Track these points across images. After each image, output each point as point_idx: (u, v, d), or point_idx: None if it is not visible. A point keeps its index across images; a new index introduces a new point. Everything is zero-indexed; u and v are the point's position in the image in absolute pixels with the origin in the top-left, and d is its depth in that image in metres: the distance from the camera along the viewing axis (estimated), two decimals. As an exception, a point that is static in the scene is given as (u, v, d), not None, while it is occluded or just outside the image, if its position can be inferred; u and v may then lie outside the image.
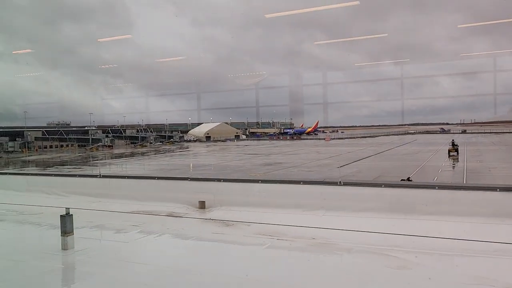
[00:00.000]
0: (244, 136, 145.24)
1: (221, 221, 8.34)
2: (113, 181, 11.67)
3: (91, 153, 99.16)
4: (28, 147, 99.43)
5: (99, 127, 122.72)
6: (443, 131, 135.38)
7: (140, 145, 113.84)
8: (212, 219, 8.51)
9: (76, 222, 6.78)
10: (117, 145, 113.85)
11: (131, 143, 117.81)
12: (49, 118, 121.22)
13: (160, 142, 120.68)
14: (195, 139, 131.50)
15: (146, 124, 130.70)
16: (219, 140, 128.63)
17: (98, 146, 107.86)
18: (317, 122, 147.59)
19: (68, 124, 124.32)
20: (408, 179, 26.43)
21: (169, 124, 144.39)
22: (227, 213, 8.72)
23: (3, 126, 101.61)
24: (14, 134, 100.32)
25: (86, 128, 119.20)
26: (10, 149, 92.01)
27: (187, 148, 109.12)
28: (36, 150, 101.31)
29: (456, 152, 60.82)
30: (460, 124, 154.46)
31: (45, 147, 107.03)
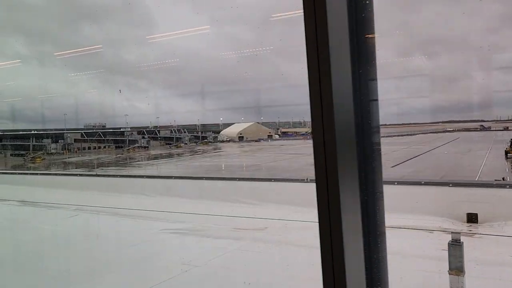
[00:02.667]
0: (277, 136, 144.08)
1: None
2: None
3: (129, 154, 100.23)
4: (68, 149, 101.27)
5: (132, 128, 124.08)
6: (483, 128, 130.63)
7: (175, 145, 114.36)
8: None
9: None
10: (152, 146, 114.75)
11: (166, 144, 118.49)
12: (85, 120, 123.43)
13: (195, 142, 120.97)
14: (228, 139, 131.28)
15: (178, 125, 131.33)
16: (252, 140, 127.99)
17: (135, 147, 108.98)
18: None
19: (104, 126, 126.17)
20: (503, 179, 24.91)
21: (201, 124, 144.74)
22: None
23: (42, 128, 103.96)
24: (54, 136, 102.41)
25: (121, 130, 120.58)
26: (52, 151, 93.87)
27: (221, 148, 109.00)
28: (76, 152, 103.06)
29: None
30: (497, 121, 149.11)
31: (84, 149, 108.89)
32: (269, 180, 10.07)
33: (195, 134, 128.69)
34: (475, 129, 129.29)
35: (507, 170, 43.01)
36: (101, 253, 7.51)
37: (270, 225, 8.08)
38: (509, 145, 55.04)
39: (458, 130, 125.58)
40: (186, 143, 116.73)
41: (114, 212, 10.42)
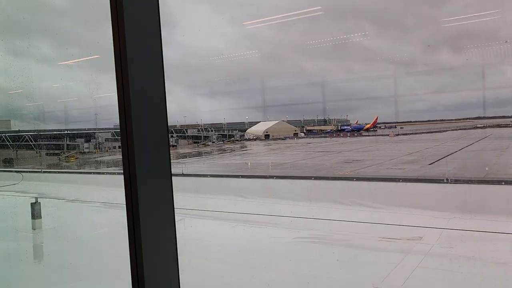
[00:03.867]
0: (302, 134, 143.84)
1: None
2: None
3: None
4: (99, 148, 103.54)
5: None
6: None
7: (203, 144, 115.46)
8: None
9: None
10: (180, 144, 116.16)
11: (194, 142, 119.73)
12: (114, 120, 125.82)
13: (222, 141, 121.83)
14: (254, 137, 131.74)
15: (205, 124, 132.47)
16: (279, 138, 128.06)
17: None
18: (376, 118, 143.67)
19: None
20: None
21: (227, 123, 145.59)
22: None
23: (74, 128, 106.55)
24: (86, 136, 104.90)
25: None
26: (85, 150, 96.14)
27: (247, 147, 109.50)
28: (107, 151, 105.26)
29: None
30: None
31: (114, 148, 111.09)
32: (363, 179, 9.48)
33: (221, 133, 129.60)
34: (507, 125, 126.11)
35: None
36: (268, 271, 6.47)
37: (422, 234, 6.95)
38: None
39: (490, 127, 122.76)
40: (214, 142, 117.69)
41: (225, 217, 9.57)
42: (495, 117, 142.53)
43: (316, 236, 7.11)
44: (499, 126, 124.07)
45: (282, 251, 6.58)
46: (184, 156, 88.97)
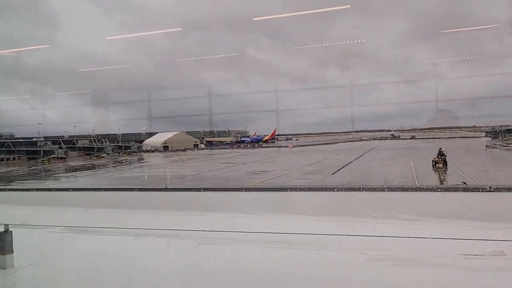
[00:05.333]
0: (202, 146, 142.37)
1: None
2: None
3: (44, 166, 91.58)
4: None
5: (45, 138, 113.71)
6: (393, 137, 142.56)
7: (96, 156, 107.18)
8: None
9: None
10: (70, 156, 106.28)
11: (86, 154, 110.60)
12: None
13: (118, 153, 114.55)
14: (153, 149, 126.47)
15: (97, 134, 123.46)
16: (178, 150, 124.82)
17: (50, 158, 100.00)
18: (275, 130, 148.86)
19: (12, 135, 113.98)
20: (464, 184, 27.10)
21: (122, 134, 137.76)
22: None
23: None
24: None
25: (34, 140, 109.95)
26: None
27: (146, 159, 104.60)
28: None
29: (443, 164, 52.42)
30: (402, 130, 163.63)
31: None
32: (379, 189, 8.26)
33: (117, 144, 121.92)
34: (386, 138, 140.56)
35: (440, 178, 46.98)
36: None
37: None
38: (438, 155, 54.60)
39: (373, 139, 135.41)
40: (109, 153, 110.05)
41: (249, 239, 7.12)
42: (375, 130, 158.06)
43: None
44: (381, 138, 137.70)
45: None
46: (78, 169, 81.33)
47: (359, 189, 8.68)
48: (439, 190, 7.96)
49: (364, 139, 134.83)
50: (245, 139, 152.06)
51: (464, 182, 31.99)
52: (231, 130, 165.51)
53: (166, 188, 11.29)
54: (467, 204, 7.37)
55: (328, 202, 8.80)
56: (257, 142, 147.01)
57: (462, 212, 6.69)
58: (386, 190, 8.36)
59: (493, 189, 7.69)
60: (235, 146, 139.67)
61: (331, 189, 9.12)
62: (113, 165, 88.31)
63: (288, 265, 5.68)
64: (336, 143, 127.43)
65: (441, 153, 54.09)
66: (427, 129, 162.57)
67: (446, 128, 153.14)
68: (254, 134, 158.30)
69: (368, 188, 8.13)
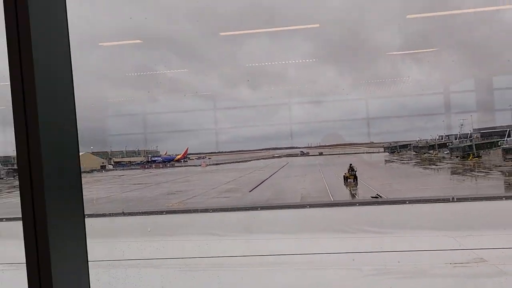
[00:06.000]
0: (110, 166, 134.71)
1: None
2: None
3: None
4: None
5: None
6: (303, 154, 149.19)
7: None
8: None
9: None
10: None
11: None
12: None
13: (13, 176, 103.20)
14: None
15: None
16: (84, 172, 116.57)
17: None
18: (187, 149, 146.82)
19: None
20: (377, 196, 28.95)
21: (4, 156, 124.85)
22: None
23: None
24: None
25: None
26: None
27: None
28: None
29: (354, 179, 54.21)
30: (310, 147, 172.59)
31: None
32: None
33: (11, 168, 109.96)
34: (297, 155, 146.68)
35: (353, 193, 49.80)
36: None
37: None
38: (349, 170, 56.20)
39: (285, 156, 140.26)
40: (2, 177, 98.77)
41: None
42: (284, 147, 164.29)
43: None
44: (291, 155, 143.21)
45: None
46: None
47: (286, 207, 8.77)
48: (379, 204, 8.49)
49: (275, 157, 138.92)
50: (156, 158, 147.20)
51: (377, 195, 34.34)
52: (141, 150, 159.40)
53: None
54: (409, 216, 7.86)
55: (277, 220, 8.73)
56: (169, 161, 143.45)
57: (420, 223, 7.10)
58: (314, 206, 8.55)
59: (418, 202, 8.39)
60: (146, 166, 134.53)
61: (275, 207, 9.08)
62: (8, 190, 79.49)
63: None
64: (249, 161, 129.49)
65: (351, 169, 56.19)
66: (332, 145, 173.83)
67: (347, 144, 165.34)
68: (166, 154, 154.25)
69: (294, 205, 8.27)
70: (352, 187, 52.54)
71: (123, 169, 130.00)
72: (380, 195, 32.56)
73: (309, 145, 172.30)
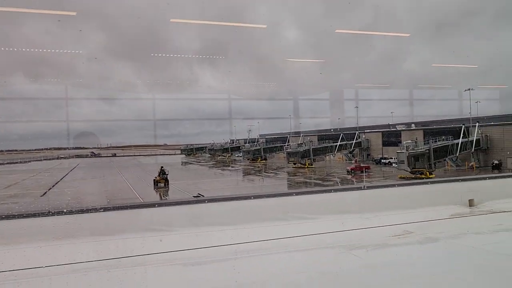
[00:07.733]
0: None
1: None
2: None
3: None
4: None
5: None
6: (94, 155, 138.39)
7: None
8: None
9: None
10: None
11: None
12: None
13: None
14: None
15: None
16: None
17: None
18: None
19: None
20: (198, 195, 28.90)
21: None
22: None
23: None
24: None
25: None
26: None
27: None
28: None
29: (165, 183, 52.34)
30: (100, 148, 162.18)
31: None
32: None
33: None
34: (87, 155, 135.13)
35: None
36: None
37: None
38: (159, 174, 53.78)
39: (72, 157, 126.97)
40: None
41: None
42: (72, 148, 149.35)
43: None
44: (80, 156, 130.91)
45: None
46: None
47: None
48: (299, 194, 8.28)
49: (61, 157, 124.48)
50: None
51: (199, 194, 34.47)
52: None
53: None
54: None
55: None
56: None
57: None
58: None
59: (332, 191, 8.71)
60: None
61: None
62: None
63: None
64: (29, 161, 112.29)
65: (163, 172, 53.96)
66: (125, 146, 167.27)
67: (139, 146, 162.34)
68: None
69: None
70: (162, 191, 49.79)
71: None
72: (202, 194, 32.70)
73: (99, 146, 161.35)
